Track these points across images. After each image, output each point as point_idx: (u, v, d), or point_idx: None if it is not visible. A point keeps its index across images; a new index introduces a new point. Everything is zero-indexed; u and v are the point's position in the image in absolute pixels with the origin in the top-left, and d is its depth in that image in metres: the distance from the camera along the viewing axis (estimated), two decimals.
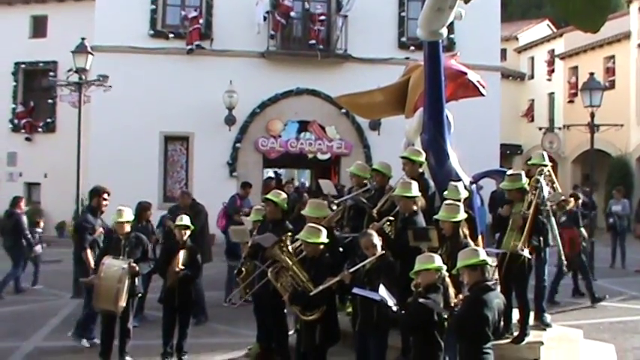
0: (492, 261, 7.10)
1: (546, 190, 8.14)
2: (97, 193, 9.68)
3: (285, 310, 7.84)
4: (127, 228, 8.46)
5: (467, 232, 6.85)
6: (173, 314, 8.43)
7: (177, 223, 8.47)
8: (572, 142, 26.41)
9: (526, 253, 7.45)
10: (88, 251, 9.31)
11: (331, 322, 6.80)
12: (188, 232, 8.45)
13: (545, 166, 8.43)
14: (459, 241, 6.54)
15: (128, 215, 8.53)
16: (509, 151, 30.04)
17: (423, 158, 7.97)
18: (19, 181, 23.52)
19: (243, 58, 20.92)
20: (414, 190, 7.18)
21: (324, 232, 6.83)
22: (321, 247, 6.79)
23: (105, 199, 9.63)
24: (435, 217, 6.91)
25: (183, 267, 8.25)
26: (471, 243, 6.66)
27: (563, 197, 8.62)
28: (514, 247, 7.58)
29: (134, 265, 8.15)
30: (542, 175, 8.20)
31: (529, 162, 8.79)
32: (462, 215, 6.78)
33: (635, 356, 9.08)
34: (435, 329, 5.80)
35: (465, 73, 9.17)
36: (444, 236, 6.83)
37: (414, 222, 7.08)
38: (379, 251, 6.41)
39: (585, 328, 9.79)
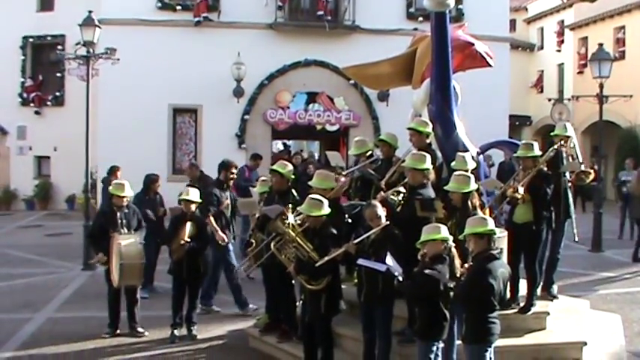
0: (500, 231, 7.14)
1: (565, 159, 8.11)
2: (224, 166, 9.73)
3: (293, 281, 7.87)
4: (124, 202, 8.56)
5: (477, 203, 6.82)
6: (182, 286, 8.52)
7: (183, 196, 8.51)
8: (582, 114, 26.16)
9: (521, 190, 7.39)
10: (212, 219, 9.28)
11: (336, 292, 6.87)
12: (194, 206, 8.49)
13: (569, 137, 8.35)
14: (469, 212, 6.50)
15: (128, 190, 8.62)
16: (518, 122, 29.85)
17: (430, 129, 7.92)
18: (29, 155, 23.65)
19: (251, 30, 20.79)
20: (427, 162, 7.11)
21: (326, 203, 6.84)
22: (324, 218, 6.81)
23: (232, 173, 9.75)
24: (445, 187, 6.88)
25: (189, 239, 8.30)
26: (481, 214, 6.62)
27: (582, 167, 8.46)
28: (524, 219, 7.58)
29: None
30: (564, 146, 8.14)
31: (552, 133, 8.65)
32: (472, 186, 6.75)
33: None
34: (441, 300, 5.83)
35: (473, 44, 9.09)
36: (454, 207, 6.81)
37: (421, 194, 7.01)
38: (383, 222, 6.41)
39: (592, 299, 9.86)
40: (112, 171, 12.53)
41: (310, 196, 6.97)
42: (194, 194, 8.56)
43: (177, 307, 8.51)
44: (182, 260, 8.38)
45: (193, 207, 8.52)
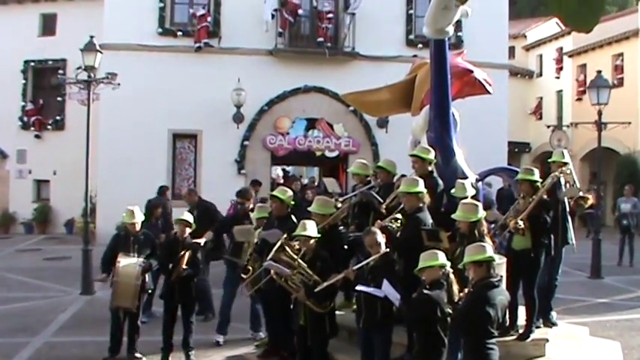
0: (499, 258, 7.16)
1: (563, 186, 8.14)
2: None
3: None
4: (137, 227, 8.61)
5: (484, 231, 6.82)
6: (172, 310, 8.50)
7: (180, 217, 8.53)
8: (581, 140, 26.30)
9: (521, 224, 7.40)
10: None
11: (334, 315, 7.00)
12: (189, 230, 8.50)
13: (566, 164, 8.37)
14: (476, 240, 6.48)
15: (139, 215, 8.66)
16: (517, 149, 29.97)
17: (432, 156, 7.96)
18: (28, 178, 23.64)
19: (251, 56, 20.89)
20: (419, 186, 7.18)
21: (313, 225, 7.02)
22: (313, 243, 6.94)
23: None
24: (453, 216, 6.88)
25: (186, 267, 8.27)
26: (489, 242, 6.64)
27: (581, 193, 8.46)
28: (523, 246, 7.59)
29: (149, 261, 8.39)
30: (562, 174, 8.17)
31: (549, 160, 8.66)
32: (479, 214, 6.77)
33: None
34: (439, 325, 5.82)
35: (472, 71, 9.18)
36: (462, 235, 6.82)
37: (418, 218, 7.08)
38: (383, 249, 6.46)
39: (591, 325, 9.80)
40: (162, 191, 12.58)
41: (302, 220, 7.12)
42: (188, 216, 8.61)
43: (167, 332, 8.48)
44: (174, 285, 8.36)
45: (188, 231, 8.50)
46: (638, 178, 24.00)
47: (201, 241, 9.27)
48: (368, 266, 6.45)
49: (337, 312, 7.41)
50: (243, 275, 8.30)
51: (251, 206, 9.48)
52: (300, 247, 7.05)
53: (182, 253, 8.28)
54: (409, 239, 6.90)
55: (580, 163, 28.61)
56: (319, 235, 7.04)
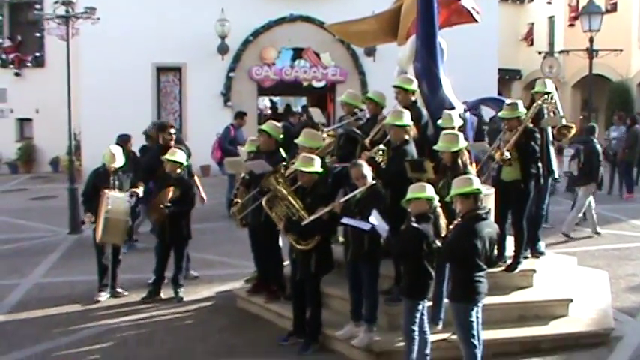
0: (487, 189, 7.09)
1: (546, 115, 8.03)
2: (160, 129, 9.53)
3: (280, 242, 7.93)
4: (117, 166, 8.58)
5: (467, 160, 6.79)
6: (166, 248, 8.55)
7: (169, 157, 8.39)
8: (572, 67, 25.94)
9: (507, 155, 7.33)
10: (197, 179, 9.65)
11: (325, 251, 6.89)
12: (179, 170, 8.44)
13: (549, 93, 8.25)
14: (459, 171, 6.48)
15: (119, 158, 8.59)
16: (507, 76, 29.59)
17: (415, 86, 7.81)
18: (10, 118, 23.23)
19: None
20: (406, 118, 7.06)
21: (318, 161, 6.85)
22: (316, 176, 6.81)
23: (170, 135, 9.20)
24: (434, 147, 6.81)
25: (169, 204, 8.23)
26: (472, 172, 6.62)
27: (564, 121, 8.36)
28: (512, 177, 7.53)
29: (136, 190, 8.54)
30: (545, 103, 8.08)
31: (532, 90, 8.56)
32: (461, 144, 6.70)
33: (627, 283, 9.14)
34: (426, 258, 5.83)
35: None
36: (445, 166, 6.76)
37: (404, 151, 6.99)
38: (369, 182, 6.40)
39: (579, 255, 9.85)
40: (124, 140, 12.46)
41: (303, 154, 6.97)
42: (180, 156, 8.46)
43: (159, 268, 8.56)
44: (165, 223, 8.35)
45: (179, 169, 8.43)
46: (630, 106, 23.79)
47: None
48: (355, 199, 6.41)
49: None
50: (232, 209, 8.31)
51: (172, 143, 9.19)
52: (296, 179, 6.95)
53: (167, 189, 8.26)
54: (396, 173, 6.83)
55: (572, 90, 28.36)
56: (321, 171, 6.92)
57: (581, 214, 12.01)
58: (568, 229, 11.73)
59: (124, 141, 10.90)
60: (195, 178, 9.67)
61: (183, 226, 8.50)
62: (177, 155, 8.40)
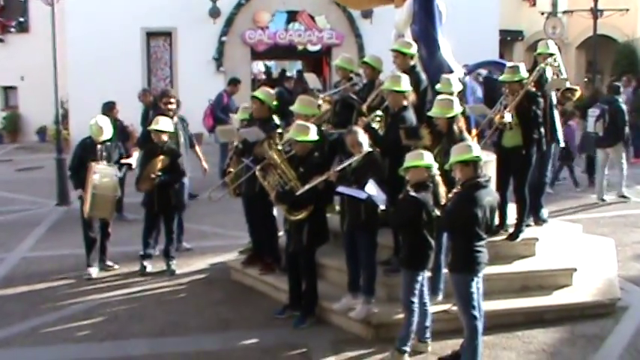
0: (487, 156, 6.87)
1: (550, 77, 7.81)
2: (162, 96, 9.62)
3: (275, 212, 7.79)
4: (105, 138, 8.40)
5: (463, 126, 6.59)
6: (154, 219, 8.48)
7: (152, 126, 8.28)
8: (577, 27, 25.46)
9: (508, 117, 7.12)
10: (197, 148, 9.91)
11: (319, 222, 6.77)
12: (166, 136, 8.29)
13: (552, 55, 8.04)
14: (455, 137, 6.30)
15: (107, 130, 8.38)
16: (509, 38, 29.11)
17: (414, 50, 7.57)
18: None
19: None
20: (404, 84, 6.85)
21: (314, 129, 6.71)
22: (310, 145, 6.67)
23: (170, 102, 9.25)
24: (429, 113, 6.63)
25: (159, 173, 8.13)
26: (468, 138, 6.44)
27: (568, 84, 8.15)
28: (513, 142, 7.32)
29: (127, 161, 8.56)
30: (548, 65, 7.87)
31: (535, 53, 8.37)
32: (456, 110, 6.47)
33: (634, 251, 9.01)
34: (425, 228, 5.73)
35: None
36: (440, 132, 6.57)
37: (403, 117, 6.79)
38: (365, 149, 6.25)
39: (585, 222, 9.69)
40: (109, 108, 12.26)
41: (298, 121, 6.85)
42: (164, 123, 8.31)
43: (147, 239, 8.47)
44: (153, 193, 8.24)
45: (165, 137, 8.27)
46: (637, 67, 23.33)
47: None
48: (350, 167, 6.27)
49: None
50: (225, 179, 8.21)
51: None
52: (290, 147, 6.82)
53: (156, 158, 8.15)
54: (394, 140, 6.65)
55: (576, 51, 27.91)
56: (316, 139, 6.75)
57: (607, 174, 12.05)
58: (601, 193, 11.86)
59: (109, 109, 10.75)
60: (197, 148, 9.87)
61: (172, 195, 8.37)
62: (160, 124, 8.28)
